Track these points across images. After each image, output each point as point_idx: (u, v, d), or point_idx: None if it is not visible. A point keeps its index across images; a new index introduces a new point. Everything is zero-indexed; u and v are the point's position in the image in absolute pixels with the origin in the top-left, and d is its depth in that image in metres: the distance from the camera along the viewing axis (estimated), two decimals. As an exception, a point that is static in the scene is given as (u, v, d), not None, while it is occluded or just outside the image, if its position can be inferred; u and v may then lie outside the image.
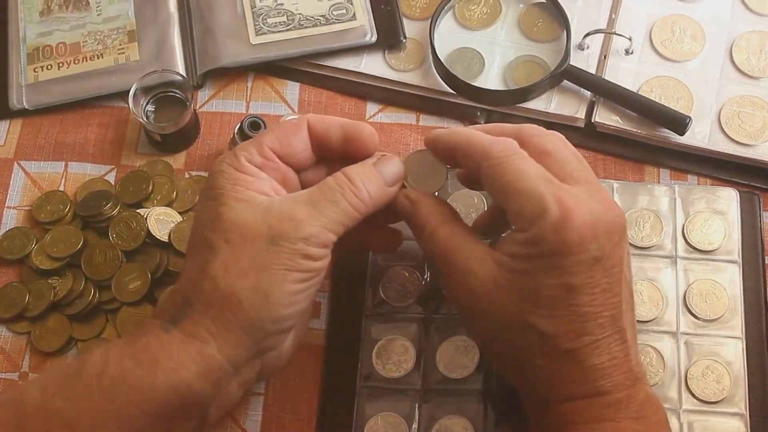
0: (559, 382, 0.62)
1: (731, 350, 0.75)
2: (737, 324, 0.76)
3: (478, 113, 0.86)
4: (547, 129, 0.83)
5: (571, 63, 0.84)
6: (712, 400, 0.74)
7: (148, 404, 0.60)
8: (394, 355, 0.76)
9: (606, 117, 0.84)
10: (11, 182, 0.85)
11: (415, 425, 0.74)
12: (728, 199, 0.80)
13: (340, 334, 0.78)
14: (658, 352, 0.75)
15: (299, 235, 0.61)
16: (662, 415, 0.64)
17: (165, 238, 0.80)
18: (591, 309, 0.61)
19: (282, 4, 0.89)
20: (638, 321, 0.75)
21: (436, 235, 0.66)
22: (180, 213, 0.82)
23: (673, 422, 0.73)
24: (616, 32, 0.86)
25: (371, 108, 0.88)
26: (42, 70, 0.88)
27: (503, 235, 0.71)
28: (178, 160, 0.86)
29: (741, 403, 0.73)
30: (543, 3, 0.89)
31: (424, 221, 0.67)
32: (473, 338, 0.72)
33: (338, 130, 0.67)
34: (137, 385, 0.60)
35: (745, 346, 0.75)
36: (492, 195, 0.65)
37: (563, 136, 0.67)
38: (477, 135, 0.66)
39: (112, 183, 0.85)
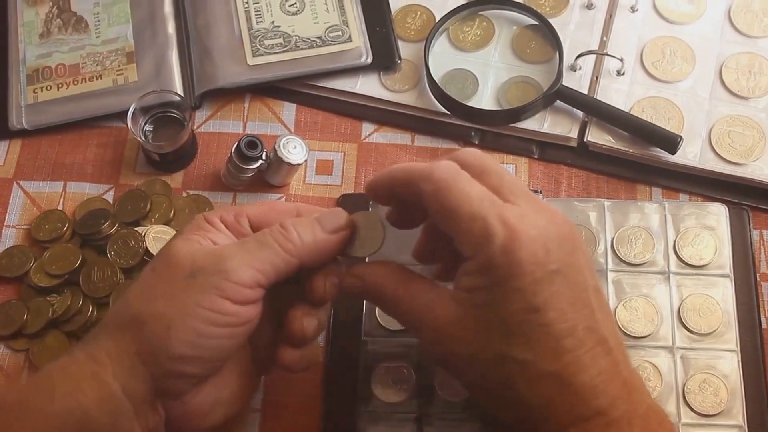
0: (551, 410, 0.59)
1: (727, 363, 0.76)
2: (732, 337, 0.77)
3: (473, 133, 0.88)
4: (541, 149, 0.85)
5: (563, 84, 0.87)
6: (711, 413, 0.75)
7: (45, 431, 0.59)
8: (392, 379, 0.76)
9: (598, 137, 0.86)
10: (10, 201, 0.87)
11: (417, 449, 0.75)
12: (718, 214, 0.82)
13: (339, 358, 0.78)
14: (655, 367, 0.76)
15: (218, 267, 0.60)
16: (669, 425, 0.61)
17: (163, 256, 0.81)
18: (564, 325, 0.59)
19: (279, 26, 0.91)
20: (634, 337, 0.77)
21: (396, 296, 0.64)
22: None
23: (672, 436, 0.74)
24: (608, 53, 0.89)
25: (366, 128, 0.89)
26: (41, 90, 0.90)
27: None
28: (175, 180, 0.87)
29: (739, 415, 0.75)
30: (536, 25, 0.91)
31: (379, 291, 0.65)
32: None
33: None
34: (34, 411, 0.60)
35: (740, 359, 0.77)
36: (438, 222, 0.62)
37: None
38: (416, 164, 0.64)
39: (111, 202, 0.86)
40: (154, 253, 0.81)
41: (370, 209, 0.69)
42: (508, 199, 0.61)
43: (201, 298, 0.60)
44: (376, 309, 0.78)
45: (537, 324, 0.59)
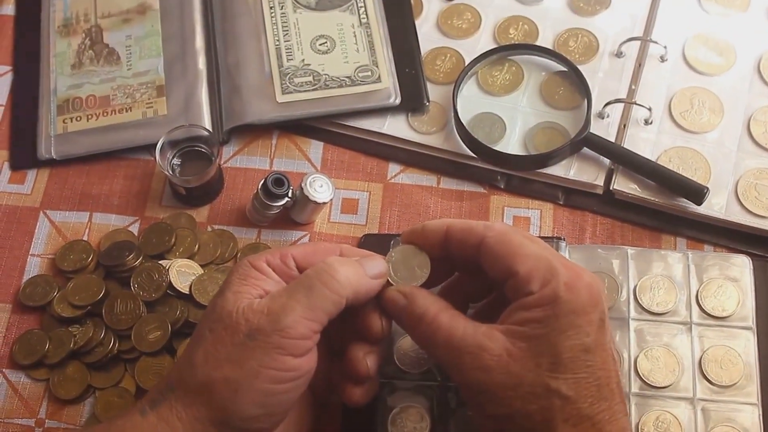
0: None
1: (748, 417, 0.78)
2: (753, 390, 0.79)
3: (498, 177, 0.91)
4: (567, 195, 0.89)
5: (591, 131, 0.89)
6: (731, 466, 0.77)
7: None
8: (409, 422, 0.78)
9: (624, 185, 0.88)
10: (36, 230, 0.90)
11: (434, 493, 0.77)
12: (741, 266, 0.84)
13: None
14: (676, 418, 0.78)
15: (274, 327, 0.63)
16: None
17: (186, 290, 0.85)
18: (603, 372, 0.64)
19: (309, 65, 0.94)
20: (655, 387, 0.80)
21: (437, 321, 0.67)
22: (202, 266, 0.87)
23: (691, 487, 0.77)
24: (636, 102, 0.92)
25: (393, 169, 0.92)
26: (71, 121, 0.94)
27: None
28: (201, 214, 0.90)
29: (758, 469, 0.77)
30: (565, 72, 0.95)
31: (422, 310, 0.68)
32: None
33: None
34: None
35: (761, 413, 0.78)
36: (494, 265, 0.67)
37: None
38: (469, 220, 0.71)
39: (136, 234, 0.89)
40: (177, 287, 0.84)
41: (391, 250, 0.72)
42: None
43: (264, 359, 0.63)
44: (394, 352, 0.81)
45: (585, 364, 0.64)
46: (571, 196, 0.90)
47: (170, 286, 0.84)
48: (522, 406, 0.63)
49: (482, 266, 0.68)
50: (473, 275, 0.72)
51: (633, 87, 0.94)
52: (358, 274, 0.67)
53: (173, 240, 0.87)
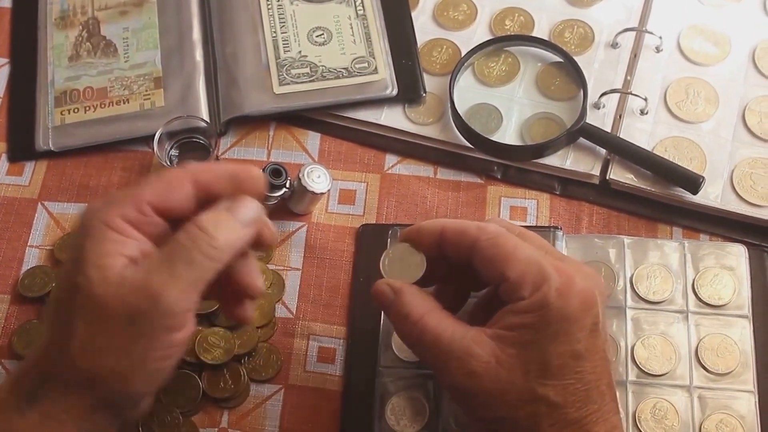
0: None
1: (744, 404, 0.79)
2: (749, 378, 0.80)
3: (495, 168, 0.91)
4: (563, 185, 0.89)
5: (587, 121, 0.90)
6: (728, 454, 0.78)
7: None
8: (408, 410, 0.79)
9: (621, 175, 0.89)
10: (34, 222, 0.91)
11: (432, 480, 0.78)
12: (737, 255, 0.85)
13: (356, 389, 0.82)
14: (672, 405, 0.79)
15: (157, 308, 0.60)
16: None
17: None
18: (593, 376, 0.64)
19: (306, 56, 0.95)
20: (652, 375, 0.80)
21: (424, 321, 0.66)
22: (200, 256, 0.86)
23: (689, 476, 0.78)
24: (632, 92, 0.92)
25: (390, 159, 0.93)
26: (69, 113, 0.94)
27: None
28: (198, 204, 0.90)
29: (755, 456, 0.78)
30: (561, 62, 0.95)
31: (408, 309, 0.67)
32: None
33: (226, 180, 0.65)
34: None
35: (757, 400, 0.79)
36: (486, 269, 0.67)
37: None
38: (466, 220, 0.69)
39: (134, 225, 0.88)
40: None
41: (388, 248, 0.72)
42: (553, 257, 0.67)
43: (150, 343, 0.61)
44: (392, 340, 0.81)
45: (574, 370, 0.64)
46: (568, 186, 0.91)
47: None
48: (509, 412, 0.64)
49: (476, 269, 0.68)
50: (471, 273, 0.71)
51: (628, 77, 0.94)
52: (236, 232, 0.63)
53: (171, 231, 0.87)
